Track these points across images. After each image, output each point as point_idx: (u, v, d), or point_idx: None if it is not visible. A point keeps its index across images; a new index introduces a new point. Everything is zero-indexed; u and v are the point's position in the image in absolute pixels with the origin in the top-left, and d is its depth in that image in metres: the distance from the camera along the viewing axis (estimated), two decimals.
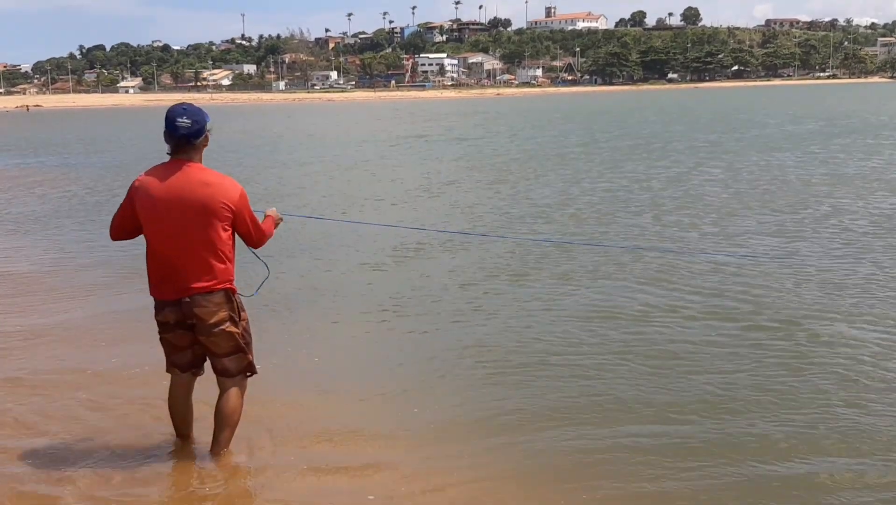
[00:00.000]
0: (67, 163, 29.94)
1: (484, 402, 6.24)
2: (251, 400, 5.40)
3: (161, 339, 5.19)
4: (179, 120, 4.84)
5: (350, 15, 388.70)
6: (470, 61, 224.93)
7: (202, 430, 5.41)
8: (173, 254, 4.93)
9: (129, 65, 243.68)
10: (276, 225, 5.51)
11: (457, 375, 6.85)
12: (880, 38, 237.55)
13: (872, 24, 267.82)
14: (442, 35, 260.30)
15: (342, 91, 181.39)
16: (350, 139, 39.15)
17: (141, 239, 5.11)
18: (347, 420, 5.96)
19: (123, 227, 5.10)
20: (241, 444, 5.40)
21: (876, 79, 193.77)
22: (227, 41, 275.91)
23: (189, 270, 4.92)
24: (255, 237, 5.18)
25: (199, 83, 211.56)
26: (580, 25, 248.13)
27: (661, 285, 9.46)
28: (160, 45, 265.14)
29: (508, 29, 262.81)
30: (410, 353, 7.54)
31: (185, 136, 4.86)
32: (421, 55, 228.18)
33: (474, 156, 28.20)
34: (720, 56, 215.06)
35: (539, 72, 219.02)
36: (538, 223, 14.11)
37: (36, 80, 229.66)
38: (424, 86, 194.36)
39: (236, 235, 5.13)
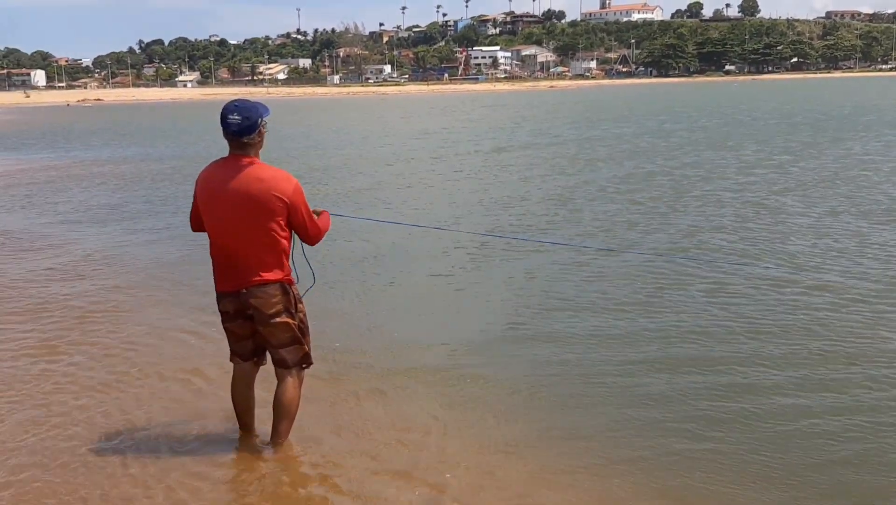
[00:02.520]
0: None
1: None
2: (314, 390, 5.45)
3: (224, 328, 5.32)
4: (230, 117, 4.90)
5: (404, 8, 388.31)
6: (523, 54, 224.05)
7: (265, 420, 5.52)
8: (231, 247, 5.04)
9: (186, 59, 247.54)
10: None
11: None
12: None
13: None
14: (495, 28, 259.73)
15: (396, 84, 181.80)
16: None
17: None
18: (402, 412, 6.04)
19: (196, 220, 5.26)
20: (302, 434, 5.51)
21: None
22: (282, 35, 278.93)
23: (246, 263, 5.03)
24: (311, 232, 5.19)
25: (255, 77, 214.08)
26: (635, 17, 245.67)
27: None
28: (217, 39, 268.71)
29: (562, 21, 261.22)
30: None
31: (236, 132, 4.91)
32: (474, 48, 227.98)
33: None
34: (779, 48, 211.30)
35: (593, 64, 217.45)
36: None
37: (96, 75, 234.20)
38: (477, 79, 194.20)
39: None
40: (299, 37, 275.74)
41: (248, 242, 5.00)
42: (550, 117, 50.98)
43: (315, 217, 5.25)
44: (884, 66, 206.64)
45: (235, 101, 5.05)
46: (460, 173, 21.41)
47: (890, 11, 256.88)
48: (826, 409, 5.96)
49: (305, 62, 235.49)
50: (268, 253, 5.03)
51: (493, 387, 6.56)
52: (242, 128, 4.92)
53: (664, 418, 5.89)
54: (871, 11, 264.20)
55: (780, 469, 5.13)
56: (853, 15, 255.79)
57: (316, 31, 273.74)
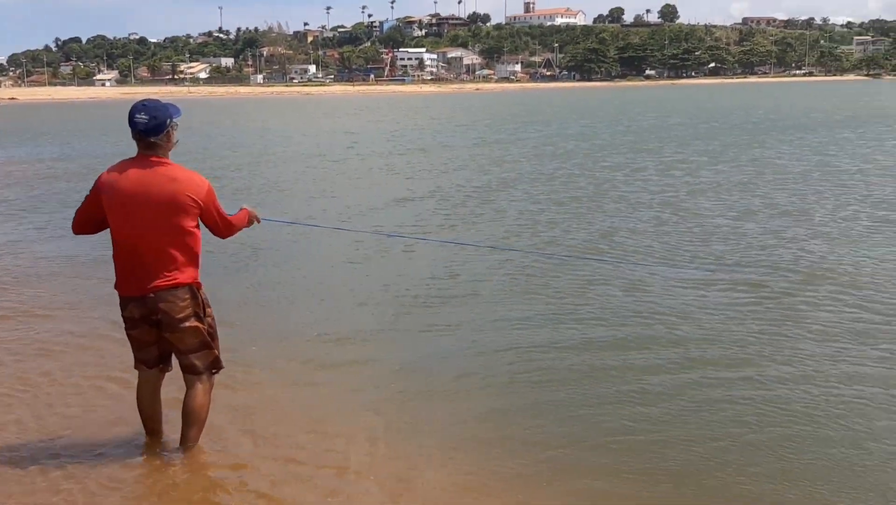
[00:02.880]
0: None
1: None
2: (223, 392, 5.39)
3: (127, 335, 5.17)
4: (138, 116, 4.84)
5: (329, 8, 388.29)
6: (449, 56, 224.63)
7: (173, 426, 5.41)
8: (139, 249, 4.92)
9: (105, 57, 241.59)
10: (251, 223, 5.53)
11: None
12: (856, 37, 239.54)
13: (848, 22, 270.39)
14: (421, 29, 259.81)
15: (321, 85, 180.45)
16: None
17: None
18: (321, 412, 5.99)
19: (87, 221, 5.10)
20: (211, 439, 5.43)
21: (851, 77, 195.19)
22: (204, 34, 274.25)
23: (155, 266, 4.91)
24: (222, 228, 5.20)
25: (175, 76, 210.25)
26: (559, 21, 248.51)
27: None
28: (137, 37, 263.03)
29: (487, 24, 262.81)
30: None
31: (143, 131, 4.85)
32: (400, 49, 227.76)
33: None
34: (697, 53, 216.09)
35: (518, 67, 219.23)
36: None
37: (11, 73, 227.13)
38: (404, 80, 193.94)
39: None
40: (221, 35, 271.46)
41: (159, 243, 4.89)
42: (476, 119, 51.28)
43: (227, 215, 5.21)
44: (798, 72, 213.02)
45: (144, 100, 4.99)
46: (387, 172, 21.38)
47: (803, 18, 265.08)
48: (736, 388, 6.13)
49: (228, 61, 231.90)
50: (178, 254, 4.93)
51: (415, 386, 6.55)
52: (149, 127, 4.85)
53: (587, 410, 5.97)
54: (785, 18, 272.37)
55: (700, 451, 5.29)
56: (768, 21, 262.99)
57: (239, 29, 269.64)
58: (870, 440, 5.47)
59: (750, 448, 5.40)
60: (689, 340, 7.47)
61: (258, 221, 5.61)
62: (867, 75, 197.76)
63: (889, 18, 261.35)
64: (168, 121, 4.90)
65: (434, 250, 11.41)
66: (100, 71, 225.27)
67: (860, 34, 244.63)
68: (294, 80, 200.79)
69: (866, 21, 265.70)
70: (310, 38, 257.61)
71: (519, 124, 44.64)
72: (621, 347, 7.31)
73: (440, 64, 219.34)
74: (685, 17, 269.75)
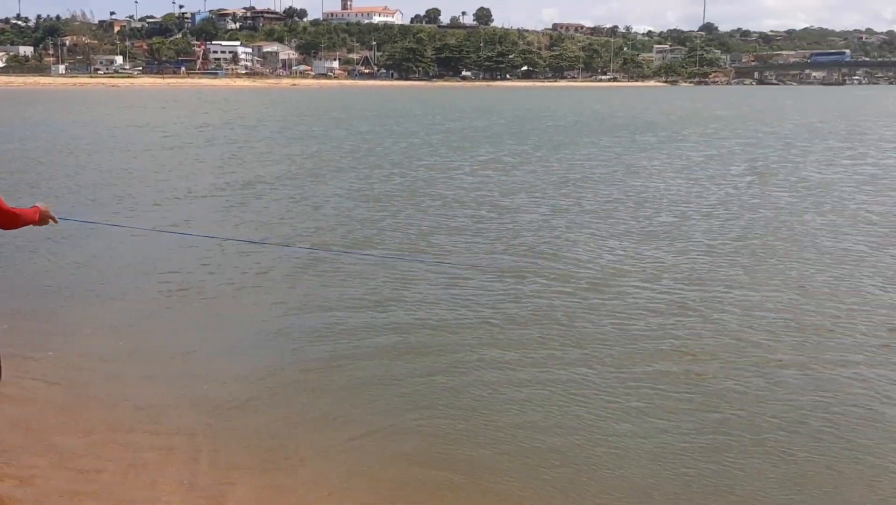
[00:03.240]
0: None
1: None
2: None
3: None
4: None
5: None
6: (265, 50, 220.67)
7: None
8: None
9: None
10: (46, 222, 5.15)
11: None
12: (656, 46, 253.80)
13: (649, 31, 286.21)
14: (235, 22, 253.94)
15: (128, 77, 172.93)
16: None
17: None
18: (103, 416, 5.76)
19: None
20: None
21: (652, 83, 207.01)
22: (0, 20, 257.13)
23: None
24: (3, 220, 4.80)
25: None
26: (376, 20, 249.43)
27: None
28: None
29: (304, 19, 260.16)
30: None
31: None
32: (213, 42, 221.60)
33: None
34: (511, 56, 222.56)
35: (336, 64, 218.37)
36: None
37: None
38: (217, 73, 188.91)
39: None
40: (20, 22, 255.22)
41: None
42: (291, 115, 50.67)
43: (9, 208, 4.83)
44: (603, 77, 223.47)
45: None
46: (195, 168, 20.76)
47: (608, 26, 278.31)
48: (540, 378, 6.41)
49: (27, 50, 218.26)
50: None
51: (228, 375, 6.47)
52: None
53: (412, 398, 6.09)
54: (592, 25, 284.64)
55: (511, 430, 5.50)
56: (577, 28, 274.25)
57: (39, 17, 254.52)
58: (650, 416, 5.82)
59: (538, 422, 5.80)
60: (498, 325, 7.75)
61: (55, 221, 5.25)
62: (666, 81, 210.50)
63: (685, 29, 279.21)
64: None
65: (246, 249, 11.16)
66: None
67: (660, 43, 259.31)
68: (99, 72, 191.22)
69: (665, 31, 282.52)
70: (116, 28, 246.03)
71: (336, 121, 44.47)
72: (434, 331, 7.63)
73: (255, 58, 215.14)
74: (499, 21, 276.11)
